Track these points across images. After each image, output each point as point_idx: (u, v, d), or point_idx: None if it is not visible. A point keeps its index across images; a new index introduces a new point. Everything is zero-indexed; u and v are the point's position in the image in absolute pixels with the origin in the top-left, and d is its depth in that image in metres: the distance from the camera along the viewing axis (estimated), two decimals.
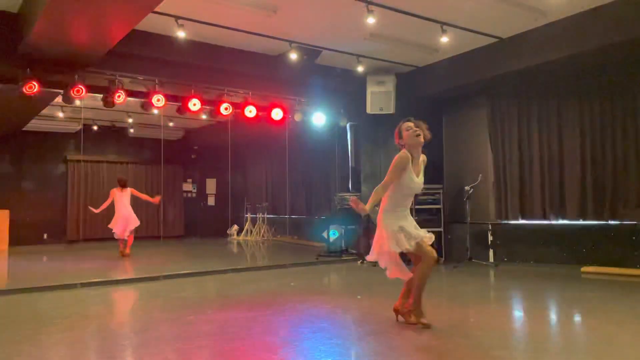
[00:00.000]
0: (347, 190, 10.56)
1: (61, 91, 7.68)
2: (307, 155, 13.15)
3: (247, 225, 14.54)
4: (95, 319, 5.10)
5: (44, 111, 10.30)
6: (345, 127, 10.64)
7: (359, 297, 4.63)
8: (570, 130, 8.20)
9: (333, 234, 9.78)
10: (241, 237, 14.43)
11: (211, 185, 16.02)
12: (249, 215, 14.64)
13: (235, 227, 15.04)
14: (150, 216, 13.85)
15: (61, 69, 7.25)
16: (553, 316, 5.21)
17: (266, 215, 14.42)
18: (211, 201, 16.02)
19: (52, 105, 9.74)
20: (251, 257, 10.99)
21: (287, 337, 4.16)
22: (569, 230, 8.18)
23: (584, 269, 7.58)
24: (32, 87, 7.08)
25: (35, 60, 6.98)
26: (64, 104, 9.39)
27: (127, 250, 9.85)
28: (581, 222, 8.04)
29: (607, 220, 7.82)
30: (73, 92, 7.44)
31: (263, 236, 14.12)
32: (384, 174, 10.67)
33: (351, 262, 9.18)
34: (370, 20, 6.45)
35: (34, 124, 11.68)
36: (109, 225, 9.92)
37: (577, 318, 5.04)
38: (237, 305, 5.49)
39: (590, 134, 8.01)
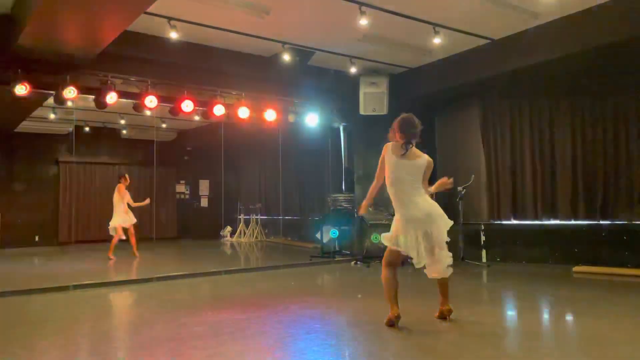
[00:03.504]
0: (341, 191, 10.57)
1: (52, 92, 7.63)
2: (300, 157, 13.16)
3: (240, 227, 14.52)
4: (87, 321, 5.08)
5: (36, 112, 10.23)
6: (338, 128, 10.66)
7: (359, 296, 4.69)
8: (561, 130, 8.27)
9: (334, 233, 9.80)
10: (234, 239, 14.41)
11: (204, 186, 15.98)
12: (242, 217, 14.61)
13: (229, 228, 15.02)
14: (144, 217, 13.79)
15: (53, 69, 7.20)
16: (545, 316, 5.24)
17: (259, 217, 14.41)
18: (204, 202, 15.98)
19: (44, 106, 9.68)
20: (245, 258, 10.97)
21: (281, 338, 4.16)
22: (561, 230, 8.25)
23: (576, 268, 7.64)
24: (24, 88, 7.04)
25: (26, 61, 6.94)
26: (56, 105, 9.34)
27: (135, 251, 9.88)
28: (573, 222, 8.11)
29: (598, 221, 7.90)
30: (64, 93, 7.40)
31: (256, 237, 14.11)
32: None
33: (344, 263, 9.18)
34: (363, 21, 6.47)
35: (25, 126, 11.60)
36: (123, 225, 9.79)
37: (569, 317, 5.08)
38: (230, 307, 5.48)
39: (581, 134, 8.09)
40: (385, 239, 4.44)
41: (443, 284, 4.54)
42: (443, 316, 4.57)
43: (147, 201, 10.14)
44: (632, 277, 7.07)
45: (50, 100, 8.28)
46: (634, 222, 7.57)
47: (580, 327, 4.65)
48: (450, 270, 4.43)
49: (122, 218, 9.72)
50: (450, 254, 4.42)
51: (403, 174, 4.38)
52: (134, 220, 9.86)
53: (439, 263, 4.37)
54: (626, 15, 6.28)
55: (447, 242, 4.39)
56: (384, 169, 4.47)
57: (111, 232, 9.71)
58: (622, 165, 7.71)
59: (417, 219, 4.29)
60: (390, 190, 4.45)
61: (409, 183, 4.38)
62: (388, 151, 4.46)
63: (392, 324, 4.32)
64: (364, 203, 4.57)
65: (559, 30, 6.94)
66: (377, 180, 4.53)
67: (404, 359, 3.60)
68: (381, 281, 4.42)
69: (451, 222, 4.45)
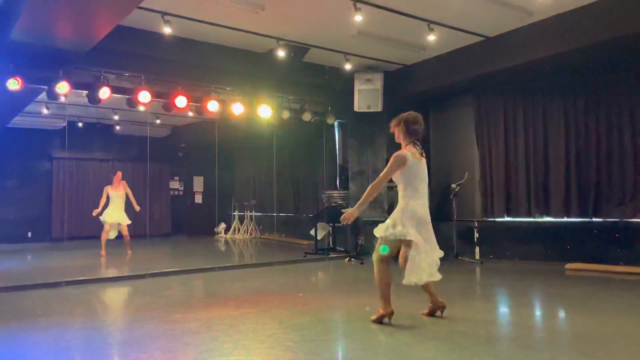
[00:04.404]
0: (335, 188, 10.57)
1: (45, 87, 7.58)
2: (294, 153, 13.14)
3: (234, 223, 14.51)
4: (80, 317, 5.06)
5: (28, 108, 10.16)
6: (332, 125, 10.66)
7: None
8: (555, 128, 8.30)
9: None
10: (229, 235, 14.39)
11: (198, 183, 15.94)
12: (236, 213, 14.60)
13: (223, 225, 15.00)
14: (137, 214, 13.72)
15: (45, 64, 7.15)
16: (537, 312, 5.27)
17: (254, 213, 14.39)
18: (199, 199, 15.95)
19: (37, 101, 9.61)
20: (239, 255, 10.96)
21: (274, 334, 4.16)
22: (554, 227, 8.29)
23: (568, 265, 7.69)
24: (16, 83, 6.99)
25: (19, 55, 6.88)
26: (49, 101, 9.28)
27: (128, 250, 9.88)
28: (565, 219, 8.15)
29: (590, 218, 7.94)
30: (57, 89, 7.35)
31: (251, 234, 14.10)
32: (371, 172, 10.72)
33: (338, 259, 9.19)
34: (358, 17, 6.47)
35: (18, 121, 11.51)
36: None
37: (561, 314, 5.10)
38: (223, 303, 5.47)
39: (574, 132, 8.12)
40: (381, 228, 4.39)
41: (426, 285, 4.52)
42: (432, 313, 4.59)
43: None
44: (624, 274, 7.11)
45: (43, 96, 8.21)
46: (625, 220, 7.62)
47: (572, 324, 4.68)
48: (427, 277, 4.31)
49: (106, 213, 9.71)
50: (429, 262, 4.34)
51: (421, 175, 4.45)
52: (122, 222, 9.80)
53: (418, 269, 4.26)
54: (619, 12, 6.31)
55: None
56: (395, 167, 4.34)
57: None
58: (614, 163, 7.75)
59: (420, 220, 4.35)
60: (414, 190, 4.38)
61: (424, 184, 4.47)
62: (409, 157, 4.35)
63: (380, 321, 4.33)
64: (355, 210, 4.35)
65: (553, 28, 6.96)
66: (382, 181, 4.37)
67: (396, 356, 3.61)
68: (374, 278, 4.43)
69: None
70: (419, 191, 4.40)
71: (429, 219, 4.45)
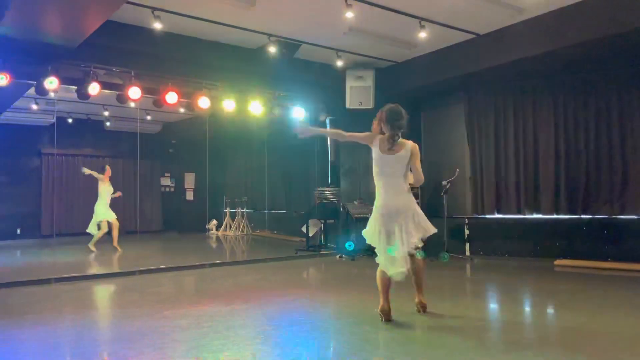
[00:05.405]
0: (327, 185, 10.57)
1: (34, 83, 7.51)
2: (286, 150, 13.12)
3: (226, 220, 14.47)
4: (69, 314, 5.03)
5: (17, 103, 10.06)
6: (324, 122, 10.64)
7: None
8: (544, 126, 8.36)
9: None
10: (220, 232, 14.36)
11: (190, 179, 15.88)
12: (228, 210, 14.56)
13: (214, 221, 14.96)
14: (127, 210, 13.67)
15: (34, 60, 7.08)
16: (526, 308, 5.31)
17: (245, 210, 14.37)
18: (190, 196, 15.89)
19: (25, 97, 9.51)
20: (230, 251, 10.94)
21: (264, 330, 4.16)
22: (543, 224, 8.35)
23: (557, 262, 7.75)
24: (4, 78, 6.91)
25: (6, 50, 6.80)
26: (38, 96, 9.19)
27: (116, 244, 9.79)
28: (554, 216, 8.22)
29: (579, 215, 8.01)
30: (46, 84, 7.28)
31: (242, 231, 14.08)
32: (363, 169, 10.70)
33: (330, 256, 9.20)
34: (349, 14, 6.46)
35: (7, 117, 11.39)
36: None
37: (550, 310, 5.15)
38: (214, 300, 5.46)
39: (564, 130, 8.18)
40: (366, 235, 4.40)
41: (417, 276, 4.51)
42: (424, 309, 4.59)
43: (118, 194, 10.02)
44: (612, 271, 7.19)
45: (32, 91, 8.13)
46: (613, 217, 7.70)
47: (560, 320, 4.72)
48: (400, 272, 4.13)
49: (106, 211, 9.66)
50: (408, 258, 4.18)
51: (386, 169, 4.36)
52: (111, 218, 9.78)
53: (397, 261, 4.14)
54: (609, 10, 6.35)
55: (417, 247, 4.21)
56: (361, 139, 4.60)
57: (97, 228, 9.63)
58: (603, 161, 7.81)
59: (390, 212, 4.24)
60: (375, 181, 4.46)
61: (391, 177, 4.35)
62: (376, 143, 4.40)
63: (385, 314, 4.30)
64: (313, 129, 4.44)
65: (543, 26, 6.99)
66: (346, 137, 4.79)
67: (386, 352, 3.62)
68: (375, 274, 4.41)
69: (432, 230, 4.30)
70: (387, 184, 4.34)
71: (401, 211, 4.23)
